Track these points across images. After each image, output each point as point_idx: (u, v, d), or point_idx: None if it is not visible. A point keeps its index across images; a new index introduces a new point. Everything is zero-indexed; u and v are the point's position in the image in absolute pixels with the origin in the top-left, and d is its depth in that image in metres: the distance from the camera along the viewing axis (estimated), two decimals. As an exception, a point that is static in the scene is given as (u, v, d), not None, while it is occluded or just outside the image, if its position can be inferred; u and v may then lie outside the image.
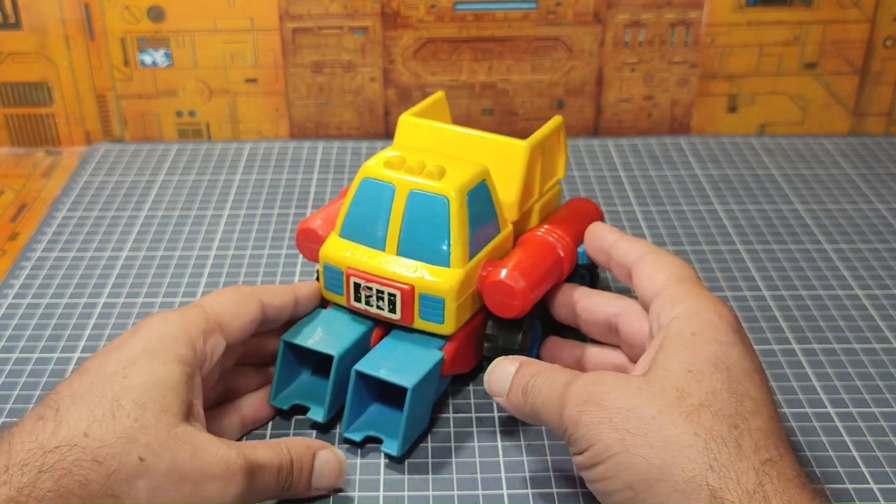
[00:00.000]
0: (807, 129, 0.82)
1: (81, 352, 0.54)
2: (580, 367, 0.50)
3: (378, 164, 0.48)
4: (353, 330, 0.48)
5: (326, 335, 0.48)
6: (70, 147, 0.81)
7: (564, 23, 0.77)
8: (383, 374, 0.45)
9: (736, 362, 0.39)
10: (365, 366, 0.46)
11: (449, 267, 0.46)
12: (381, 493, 0.44)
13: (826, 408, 0.50)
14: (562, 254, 0.50)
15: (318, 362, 0.50)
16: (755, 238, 0.66)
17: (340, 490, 0.45)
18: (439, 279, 0.46)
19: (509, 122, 0.81)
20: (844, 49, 0.78)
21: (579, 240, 0.52)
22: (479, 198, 0.48)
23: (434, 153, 0.50)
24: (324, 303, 0.51)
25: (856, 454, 0.47)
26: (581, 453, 0.38)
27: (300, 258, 0.63)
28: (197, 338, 0.42)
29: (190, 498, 0.38)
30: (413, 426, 0.46)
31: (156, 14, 0.76)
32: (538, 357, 0.52)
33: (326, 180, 0.74)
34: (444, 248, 0.46)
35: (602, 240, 0.50)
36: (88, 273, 0.62)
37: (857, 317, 0.57)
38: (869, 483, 0.45)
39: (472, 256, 0.47)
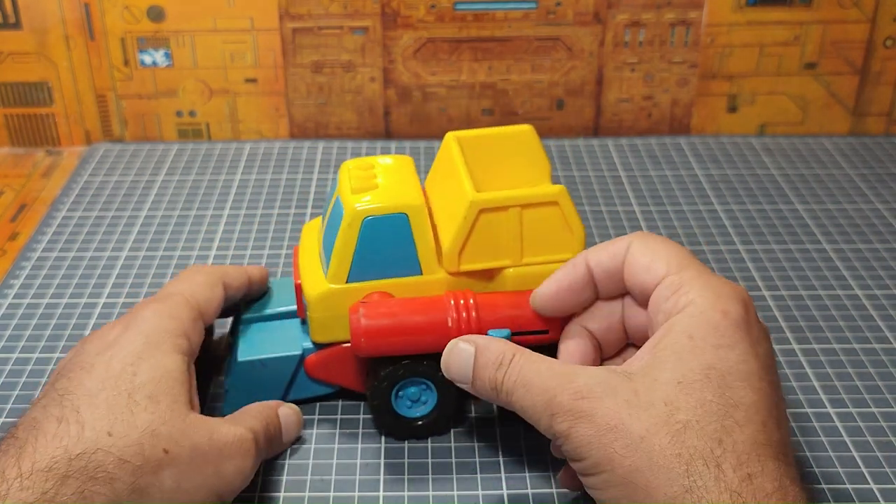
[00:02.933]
0: (807, 129, 0.82)
1: (81, 352, 0.54)
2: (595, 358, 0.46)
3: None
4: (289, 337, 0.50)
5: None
6: (70, 147, 0.81)
7: (564, 23, 0.77)
8: (241, 345, 0.49)
9: (733, 367, 0.37)
10: (243, 340, 0.49)
11: (325, 278, 0.47)
12: (381, 494, 0.44)
13: (826, 408, 0.50)
14: (450, 323, 0.45)
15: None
16: (755, 238, 0.66)
17: (341, 490, 0.45)
18: (311, 286, 0.47)
19: (509, 123, 0.80)
20: (844, 49, 0.78)
21: (499, 324, 0.45)
22: (389, 229, 0.46)
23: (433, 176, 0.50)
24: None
25: (856, 454, 0.47)
26: (575, 462, 0.38)
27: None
28: (190, 328, 0.44)
29: (213, 479, 0.40)
30: (236, 397, 0.48)
31: (156, 14, 0.76)
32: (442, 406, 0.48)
33: (326, 180, 0.74)
34: (326, 259, 0.47)
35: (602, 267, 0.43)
36: (88, 273, 0.62)
37: (857, 317, 0.57)
38: (869, 483, 0.45)
39: (356, 280, 0.46)
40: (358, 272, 0.47)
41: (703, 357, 0.37)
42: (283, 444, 0.47)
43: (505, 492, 0.45)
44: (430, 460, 0.46)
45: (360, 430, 0.49)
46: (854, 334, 0.56)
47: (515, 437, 0.48)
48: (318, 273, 0.48)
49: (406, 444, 0.48)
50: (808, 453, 0.47)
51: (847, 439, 0.48)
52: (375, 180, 0.48)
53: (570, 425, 0.37)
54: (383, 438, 0.48)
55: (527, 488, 0.45)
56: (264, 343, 0.49)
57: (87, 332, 0.56)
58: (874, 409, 0.50)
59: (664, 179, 0.74)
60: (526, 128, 0.51)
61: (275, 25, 0.77)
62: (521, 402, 0.39)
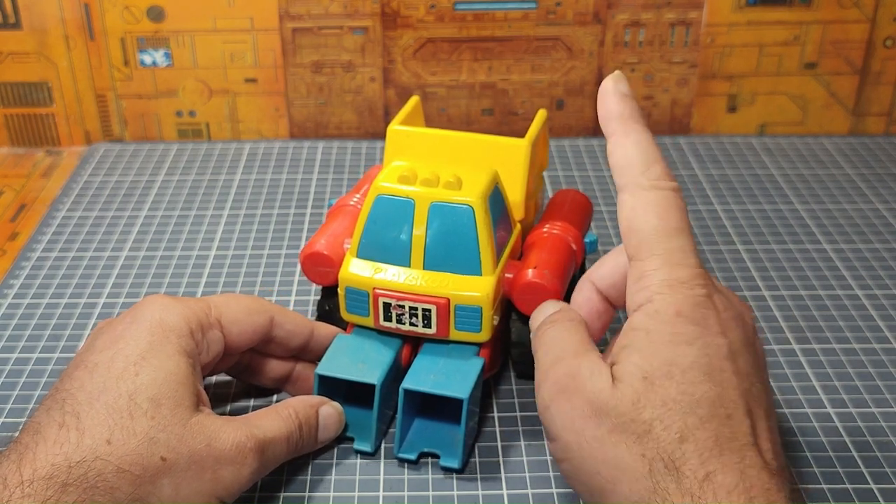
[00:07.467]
0: (807, 129, 0.82)
1: (81, 352, 0.54)
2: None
3: (391, 180, 0.46)
4: (383, 353, 0.47)
5: (360, 363, 0.47)
6: (70, 147, 0.81)
7: (564, 23, 0.77)
8: (434, 389, 0.45)
9: (693, 362, 0.37)
10: (412, 383, 0.45)
11: (480, 275, 0.46)
12: (381, 494, 0.44)
13: (826, 408, 0.50)
14: (574, 247, 0.50)
15: (349, 390, 0.48)
16: (755, 238, 0.66)
17: (340, 490, 0.45)
18: (474, 289, 0.46)
19: (509, 122, 0.81)
20: (844, 49, 0.78)
21: (583, 231, 0.53)
22: (496, 202, 0.47)
23: (436, 161, 0.49)
24: (342, 325, 0.50)
25: (856, 454, 0.47)
26: (550, 441, 0.40)
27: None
28: (196, 329, 0.43)
29: (210, 484, 0.40)
30: (469, 435, 0.46)
31: (156, 14, 0.76)
32: None
33: (326, 180, 0.74)
34: (474, 256, 0.46)
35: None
36: (88, 273, 0.62)
37: (857, 317, 0.57)
38: (869, 483, 0.45)
39: (497, 261, 0.47)
40: (497, 252, 0.47)
41: (664, 353, 0.38)
42: (317, 443, 0.46)
43: (505, 492, 0.45)
44: (429, 460, 0.46)
45: (360, 430, 0.49)
46: (854, 334, 0.56)
47: (515, 437, 0.48)
48: (450, 281, 0.46)
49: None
50: (808, 453, 0.47)
51: (847, 439, 0.48)
52: (437, 174, 0.47)
53: (552, 398, 0.39)
54: (382, 438, 0.48)
55: (527, 488, 0.45)
56: (445, 373, 0.46)
57: (87, 332, 0.56)
58: (874, 409, 0.50)
59: (664, 179, 0.74)
60: (519, 142, 0.51)
61: (275, 25, 0.77)
62: (537, 356, 0.42)
